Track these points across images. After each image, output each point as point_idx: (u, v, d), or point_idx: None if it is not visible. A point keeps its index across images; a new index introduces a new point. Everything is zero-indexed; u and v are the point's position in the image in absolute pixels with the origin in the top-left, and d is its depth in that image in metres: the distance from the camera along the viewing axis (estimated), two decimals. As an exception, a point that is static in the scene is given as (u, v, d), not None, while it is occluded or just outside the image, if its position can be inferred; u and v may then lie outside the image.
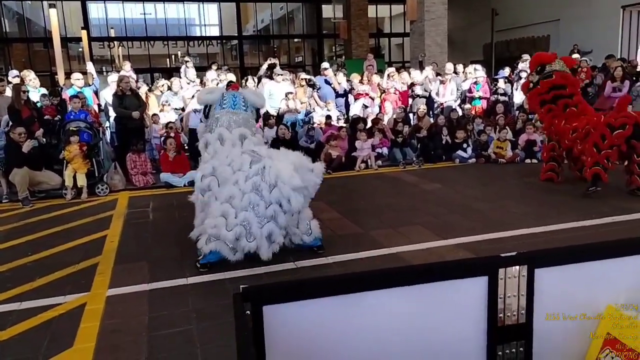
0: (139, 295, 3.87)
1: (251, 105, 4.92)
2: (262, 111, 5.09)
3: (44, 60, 21.59)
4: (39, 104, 8.10)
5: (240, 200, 4.13)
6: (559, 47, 16.76)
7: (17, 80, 8.59)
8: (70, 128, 7.15)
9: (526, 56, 11.30)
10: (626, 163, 6.36)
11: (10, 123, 7.06)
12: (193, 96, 9.50)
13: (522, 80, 10.32)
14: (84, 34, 18.19)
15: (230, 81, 9.45)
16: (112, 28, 24.24)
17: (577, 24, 16.52)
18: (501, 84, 10.78)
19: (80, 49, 21.84)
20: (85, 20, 22.41)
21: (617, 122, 5.98)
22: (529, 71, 10.64)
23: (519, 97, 10.19)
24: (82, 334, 3.28)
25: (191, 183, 7.44)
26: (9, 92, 7.92)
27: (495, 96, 10.50)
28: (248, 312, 1.34)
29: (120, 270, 4.37)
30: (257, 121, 5.30)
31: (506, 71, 11.53)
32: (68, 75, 11.75)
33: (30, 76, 8.95)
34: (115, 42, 24.14)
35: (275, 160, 4.22)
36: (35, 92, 8.63)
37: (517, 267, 1.61)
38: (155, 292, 3.91)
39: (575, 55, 10.87)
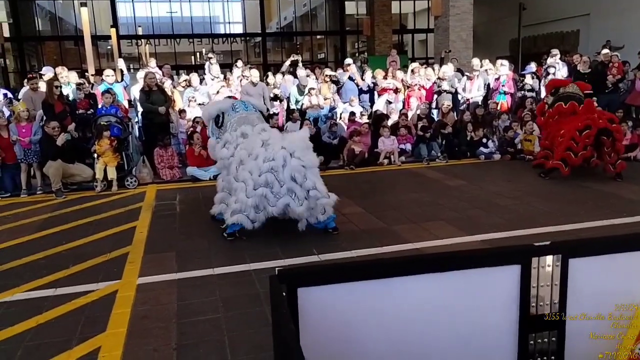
0: (168, 284, 3.96)
1: (255, 109, 5.53)
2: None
3: (74, 58, 22.11)
4: (70, 97, 8.32)
5: (258, 175, 4.62)
6: (590, 42, 16.34)
7: (50, 76, 8.84)
8: (101, 122, 7.33)
9: (555, 51, 11.07)
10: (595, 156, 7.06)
11: (44, 117, 7.27)
12: (218, 92, 9.65)
13: (550, 76, 10.15)
14: (113, 32, 18.54)
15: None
16: (139, 26, 24.67)
17: (609, 18, 16.05)
18: (528, 79, 10.59)
19: (109, 47, 22.31)
20: (114, 18, 22.85)
21: (582, 125, 6.77)
22: (557, 66, 10.47)
23: (546, 93, 10.01)
24: (115, 320, 3.38)
25: (217, 176, 7.58)
26: (43, 87, 8.17)
27: (522, 92, 10.33)
28: (284, 293, 1.37)
29: (149, 260, 4.49)
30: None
31: (532, 66, 11.33)
32: (98, 72, 12.05)
33: (64, 73, 9.22)
34: (143, 40, 24.57)
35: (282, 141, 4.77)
36: (69, 87, 8.87)
37: (551, 256, 1.61)
38: (183, 282, 4.00)
39: (605, 51, 10.58)
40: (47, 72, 9.46)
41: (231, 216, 4.77)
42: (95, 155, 7.22)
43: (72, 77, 9.46)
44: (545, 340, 1.64)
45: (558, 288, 1.63)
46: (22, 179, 7.19)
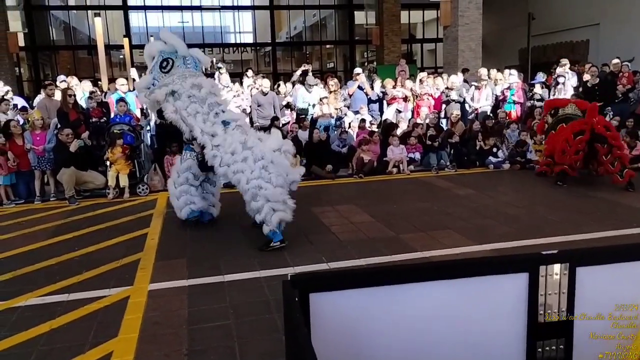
0: (178, 290, 4.01)
1: (201, 66, 5.58)
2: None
3: (87, 67, 22.46)
4: (84, 105, 8.48)
5: (250, 172, 4.78)
6: (599, 52, 16.31)
7: (64, 85, 9.00)
8: (115, 131, 7.44)
9: (564, 60, 11.07)
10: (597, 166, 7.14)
11: (59, 125, 7.41)
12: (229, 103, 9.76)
13: (560, 86, 10.15)
14: (125, 41, 18.78)
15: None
16: (151, 36, 24.93)
17: (619, 29, 16.03)
18: (538, 89, 10.60)
19: (122, 56, 22.60)
20: (127, 28, 23.19)
21: (577, 129, 6.86)
22: (567, 76, 10.46)
23: (556, 103, 9.98)
24: (127, 325, 3.43)
25: (227, 184, 7.64)
26: (57, 96, 8.32)
27: (532, 102, 10.33)
28: (296, 298, 1.41)
29: (160, 266, 4.54)
30: None
31: (541, 76, 11.33)
32: (111, 81, 12.21)
33: (73, 82, 9.42)
34: (154, 49, 24.87)
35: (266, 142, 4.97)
36: (83, 96, 9.04)
37: (559, 265, 1.63)
38: (194, 288, 4.04)
39: (615, 61, 10.56)
40: (64, 80, 9.65)
41: (271, 219, 4.78)
42: (108, 162, 7.32)
43: (86, 86, 9.62)
44: (554, 347, 1.66)
45: (566, 296, 1.65)
46: (36, 186, 7.31)
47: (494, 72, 11.35)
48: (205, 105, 5.12)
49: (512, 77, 10.66)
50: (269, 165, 4.77)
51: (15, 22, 18.03)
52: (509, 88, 10.52)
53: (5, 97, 8.62)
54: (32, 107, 9.29)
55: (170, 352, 3.10)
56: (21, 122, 7.94)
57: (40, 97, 9.37)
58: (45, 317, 3.57)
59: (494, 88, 10.78)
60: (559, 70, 10.82)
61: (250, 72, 11.56)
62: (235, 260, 4.63)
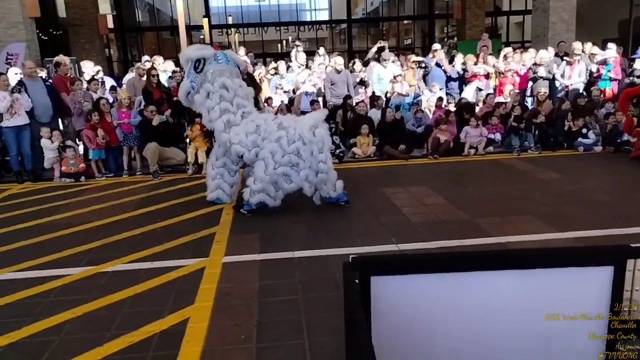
0: (250, 264, 4.15)
1: (234, 63, 5.74)
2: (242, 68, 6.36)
3: (170, 47, 23.55)
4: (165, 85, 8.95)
5: (281, 156, 5.16)
6: None
7: (148, 65, 9.52)
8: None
9: (672, 32, 9.89)
10: None
11: (144, 103, 7.87)
12: (304, 82, 9.81)
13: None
14: (205, 22, 19.45)
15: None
16: (229, 16, 25.69)
17: None
18: (638, 64, 9.59)
19: (202, 36, 23.46)
20: (206, 9, 23.98)
21: None
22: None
23: (660, 79, 9.01)
24: (202, 294, 3.62)
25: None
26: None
27: (631, 78, 9.38)
28: (357, 280, 1.39)
29: (234, 240, 4.72)
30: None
31: (645, 49, 10.22)
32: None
33: (159, 60, 9.91)
34: (233, 29, 25.56)
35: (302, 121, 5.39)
36: (165, 75, 9.51)
37: (650, 259, 1.47)
38: (265, 263, 4.17)
39: None
40: (147, 61, 10.21)
41: (252, 196, 5.29)
42: (188, 140, 7.69)
43: (169, 66, 10.09)
44: (638, 347, 1.52)
45: (657, 294, 1.49)
46: (124, 161, 7.87)
47: (588, 45, 10.41)
48: (234, 106, 5.44)
49: (609, 52, 9.72)
50: (302, 148, 5.13)
51: (105, 5, 19.21)
52: (605, 63, 9.62)
53: (95, 77, 9.27)
54: (121, 86, 9.93)
55: (241, 322, 3.23)
56: (110, 100, 8.51)
57: (129, 76, 9.97)
58: (130, 282, 3.84)
59: (589, 64, 9.90)
60: (664, 42, 9.71)
61: (322, 50, 11.51)
62: (305, 238, 4.71)
